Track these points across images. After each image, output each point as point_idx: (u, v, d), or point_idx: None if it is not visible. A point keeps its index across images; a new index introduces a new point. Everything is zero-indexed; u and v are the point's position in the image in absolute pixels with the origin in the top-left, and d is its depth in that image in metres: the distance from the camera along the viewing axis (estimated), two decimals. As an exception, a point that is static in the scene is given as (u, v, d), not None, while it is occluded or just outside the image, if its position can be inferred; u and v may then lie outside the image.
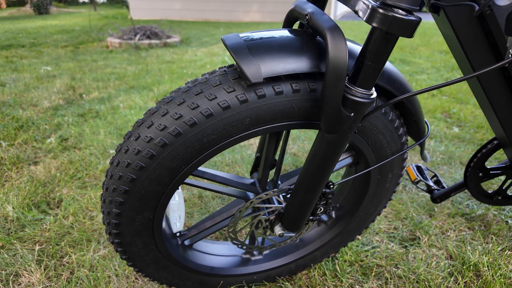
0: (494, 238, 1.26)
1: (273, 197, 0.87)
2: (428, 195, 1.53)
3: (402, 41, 6.00)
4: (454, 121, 2.42)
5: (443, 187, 1.19)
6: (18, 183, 1.61)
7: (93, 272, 1.11)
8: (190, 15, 10.31)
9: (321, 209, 0.82)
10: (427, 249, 1.22)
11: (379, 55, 0.54)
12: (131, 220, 0.72)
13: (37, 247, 1.22)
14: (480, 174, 1.03)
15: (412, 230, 1.32)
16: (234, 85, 0.61)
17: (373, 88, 0.59)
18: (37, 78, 3.51)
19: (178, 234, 0.91)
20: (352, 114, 0.58)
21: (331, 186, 0.78)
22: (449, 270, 1.12)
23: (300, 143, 2.07)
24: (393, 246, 1.24)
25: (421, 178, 1.19)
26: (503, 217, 1.38)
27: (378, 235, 1.30)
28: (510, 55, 0.54)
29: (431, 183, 1.18)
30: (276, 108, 0.63)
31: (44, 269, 1.13)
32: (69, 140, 2.09)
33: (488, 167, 1.03)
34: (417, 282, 1.08)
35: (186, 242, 0.93)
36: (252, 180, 0.91)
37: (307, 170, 0.70)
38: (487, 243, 1.24)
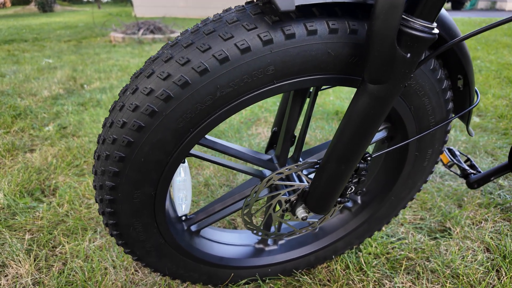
0: (535, 229, 1.13)
1: (294, 175, 0.75)
2: (456, 184, 1.40)
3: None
4: (474, 111, 2.28)
5: (479, 172, 1.06)
6: (12, 170, 1.50)
7: (88, 263, 1.00)
8: (194, 13, 10.22)
9: (351, 189, 0.70)
10: (460, 241, 1.09)
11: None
12: (128, 196, 0.60)
13: (27, 236, 1.11)
14: (529, 153, 0.90)
15: (441, 221, 1.19)
16: (256, 22, 0.49)
17: (435, 23, 0.46)
18: (38, 70, 3.42)
19: (183, 217, 0.79)
20: (409, 55, 0.46)
21: (368, 159, 0.65)
22: (488, 264, 0.99)
23: (311, 132, 1.94)
24: (421, 237, 1.11)
25: (455, 162, 1.06)
26: (541, 208, 1.24)
27: (403, 226, 1.17)
28: None
29: (466, 167, 1.05)
30: (308, 53, 0.51)
31: (34, 260, 1.01)
32: (68, 128, 1.98)
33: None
34: (452, 277, 0.95)
35: (193, 228, 0.81)
36: (269, 157, 0.78)
37: (342, 135, 0.57)
38: (527, 235, 1.11)
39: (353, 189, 0.70)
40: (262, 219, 0.79)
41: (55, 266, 0.99)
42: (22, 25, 7.91)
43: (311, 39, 0.50)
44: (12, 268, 0.99)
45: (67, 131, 1.93)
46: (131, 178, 0.58)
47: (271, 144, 0.86)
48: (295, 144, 0.78)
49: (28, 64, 3.71)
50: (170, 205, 0.77)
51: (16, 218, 1.20)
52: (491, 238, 1.10)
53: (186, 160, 0.74)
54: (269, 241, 0.93)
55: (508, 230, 1.14)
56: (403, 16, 0.45)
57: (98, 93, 2.63)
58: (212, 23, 0.51)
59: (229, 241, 0.91)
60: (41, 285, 0.93)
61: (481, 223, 1.18)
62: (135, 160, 0.55)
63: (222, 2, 9.98)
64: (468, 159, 1.13)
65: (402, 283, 0.94)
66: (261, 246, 0.92)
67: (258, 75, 0.51)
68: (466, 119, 0.76)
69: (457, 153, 1.12)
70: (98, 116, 2.15)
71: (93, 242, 1.09)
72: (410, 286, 0.94)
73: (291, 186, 0.71)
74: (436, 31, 0.46)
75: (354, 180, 0.68)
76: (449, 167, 1.06)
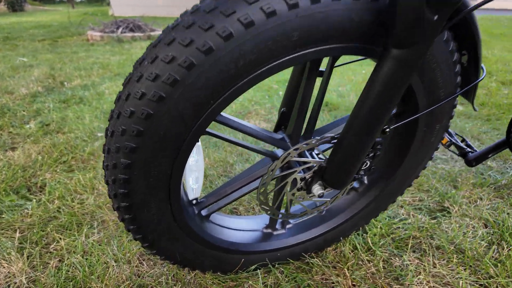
0: (527, 205, 1.17)
1: (306, 153, 0.74)
2: (448, 166, 1.44)
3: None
4: (457, 100, 2.37)
5: (475, 150, 1.09)
6: (-7, 168, 1.41)
7: (87, 258, 0.95)
8: (173, 11, 10.06)
9: (367, 164, 0.70)
10: (460, 219, 1.12)
11: None
12: (145, 173, 0.57)
13: (17, 235, 1.04)
14: (526, 129, 0.94)
15: (439, 201, 1.22)
16: (282, -16, 0.47)
17: None
18: (13, 68, 3.25)
19: (194, 201, 0.76)
20: (436, 17, 0.46)
21: (387, 130, 0.65)
22: (489, 238, 1.02)
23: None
24: (422, 217, 1.13)
25: (453, 141, 1.09)
26: (530, 185, 1.30)
27: (403, 208, 1.19)
28: None
29: (464, 146, 1.08)
30: (332, 19, 0.50)
31: (27, 258, 0.95)
32: (51, 125, 1.89)
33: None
34: (457, 252, 0.97)
35: (203, 212, 0.78)
36: (281, 136, 0.77)
37: (363, 106, 0.57)
38: (520, 211, 1.15)
39: (368, 164, 0.70)
40: (274, 201, 0.78)
41: (51, 263, 0.94)
42: (-10, 25, 7.51)
43: (336, 4, 0.49)
44: (4, 267, 0.92)
45: (50, 128, 1.84)
46: (149, 153, 0.55)
47: (279, 125, 0.85)
48: (308, 119, 0.77)
49: (0, 63, 3.52)
50: (182, 189, 0.74)
51: (3, 216, 1.12)
52: (489, 214, 1.13)
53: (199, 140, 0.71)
54: (277, 225, 0.91)
55: (503, 207, 1.18)
56: None
57: (80, 90, 2.53)
58: (235, -13, 0.49)
59: (237, 227, 0.89)
60: (38, 283, 0.87)
61: (477, 201, 1.22)
62: (154, 133, 0.52)
63: (202, 0, 9.90)
64: (463, 139, 1.16)
65: (410, 260, 0.95)
66: (269, 230, 0.91)
67: (282, 41, 0.50)
68: (471, 95, 0.77)
69: (453, 133, 1.15)
70: (82, 112, 2.06)
71: (91, 237, 1.03)
72: (417, 263, 0.95)
73: (307, 163, 0.70)
74: None
75: (370, 155, 0.68)
76: (448, 146, 1.09)
